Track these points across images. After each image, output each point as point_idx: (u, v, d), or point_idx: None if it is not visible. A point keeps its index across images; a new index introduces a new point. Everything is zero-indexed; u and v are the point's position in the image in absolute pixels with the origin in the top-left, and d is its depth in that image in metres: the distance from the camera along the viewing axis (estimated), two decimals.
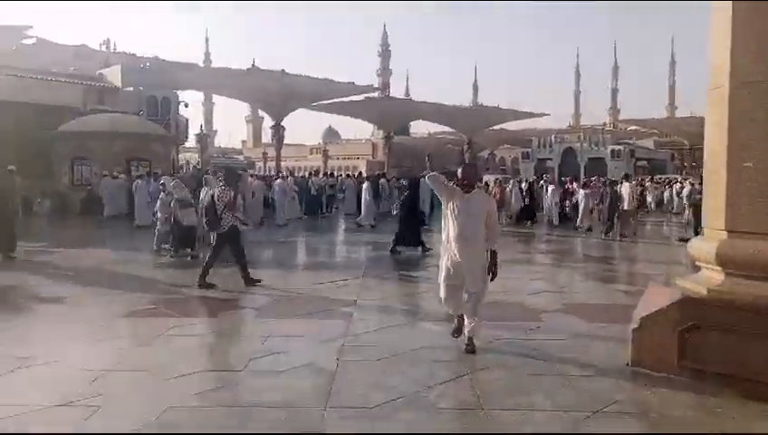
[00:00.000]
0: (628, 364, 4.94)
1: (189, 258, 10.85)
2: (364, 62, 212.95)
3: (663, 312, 4.86)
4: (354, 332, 6.03)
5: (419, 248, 11.92)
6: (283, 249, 13.51)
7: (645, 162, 54.12)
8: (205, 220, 8.77)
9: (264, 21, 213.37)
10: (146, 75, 27.36)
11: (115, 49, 27.85)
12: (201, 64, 59.74)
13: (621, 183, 16.87)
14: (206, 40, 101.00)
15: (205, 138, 55.73)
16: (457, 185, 5.44)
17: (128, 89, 25.42)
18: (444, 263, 5.42)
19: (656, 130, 66.98)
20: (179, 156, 72.13)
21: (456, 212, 5.29)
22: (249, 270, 8.53)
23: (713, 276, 4.87)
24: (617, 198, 16.20)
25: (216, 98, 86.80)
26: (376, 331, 6.08)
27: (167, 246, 11.43)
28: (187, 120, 24.55)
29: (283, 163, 63.62)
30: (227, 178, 8.93)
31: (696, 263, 5.17)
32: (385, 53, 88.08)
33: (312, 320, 6.66)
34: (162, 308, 7.02)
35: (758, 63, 4.51)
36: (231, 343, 5.97)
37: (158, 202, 11.83)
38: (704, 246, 4.99)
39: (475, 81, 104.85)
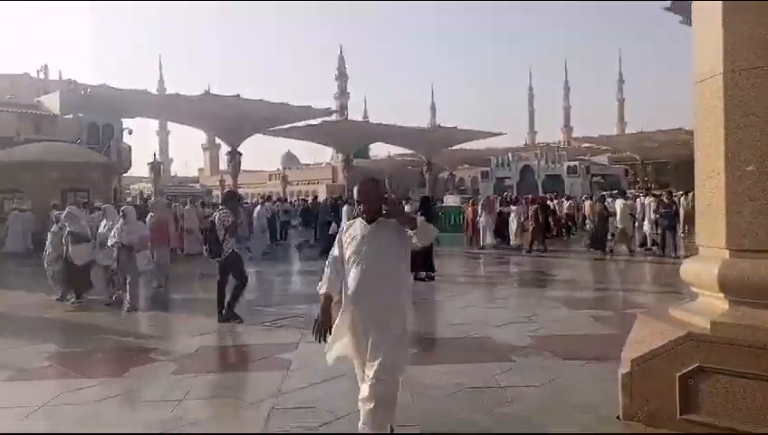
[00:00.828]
0: (618, 418, 4.00)
1: (76, 302, 9.20)
2: (321, 87, 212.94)
3: (659, 352, 3.93)
4: (288, 387, 4.93)
5: (424, 274, 10.99)
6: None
7: (600, 178, 54.53)
8: (205, 247, 8.19)
9: (218, 47, 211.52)
10: (88, 102, 25.82)
11: (60, 77, 26.10)
12: (154, 91, 57.97)
13: (614, 199, 16.75)
14: (160, 66, 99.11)
15: (158, 166, 53.72)
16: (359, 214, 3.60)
17: (67, 116, 23.87)
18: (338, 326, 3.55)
19: (608, 147, 68.00)
20: (133, 186, 69.73)
21: (352, 253, 3.47)
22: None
23: (715, 305, 3.98)
24: (607, 215, 15.82)
25: (171, 126, 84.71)
26: (316, 385, 4.99)
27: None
28: (129, 148, 23.10)
29: (240, 190, 62.14)
30: (228, 201, 8.51)
31: (693, 289, 4.28)
32: (342, 77, 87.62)
33: (239, 373, 5.54)
34: (58, 365, 5.78)
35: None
36: (132, 410, 4.77)
37: (49, 236, 10.09)
38: (701, 269, 4.09)
39: (432, 102, 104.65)
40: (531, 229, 16.45)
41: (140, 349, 6.43)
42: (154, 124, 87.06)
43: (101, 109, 26.92)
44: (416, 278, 10.59)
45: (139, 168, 56.92)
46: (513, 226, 17.28)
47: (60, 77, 26.64)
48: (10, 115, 21.86)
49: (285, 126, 49.08)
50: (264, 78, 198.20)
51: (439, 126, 57.06)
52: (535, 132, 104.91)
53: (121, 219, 8.82)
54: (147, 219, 10.43)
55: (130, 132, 26.54)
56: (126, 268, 8.68)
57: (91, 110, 25.42)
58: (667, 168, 65.70)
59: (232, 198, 8.97)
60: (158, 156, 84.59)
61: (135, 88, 37.67)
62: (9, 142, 20.45)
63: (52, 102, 24.38)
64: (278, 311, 8.51)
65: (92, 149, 21.76)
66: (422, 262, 10.67)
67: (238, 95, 40.68)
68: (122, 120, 38.14)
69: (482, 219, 17.63)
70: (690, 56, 4.25)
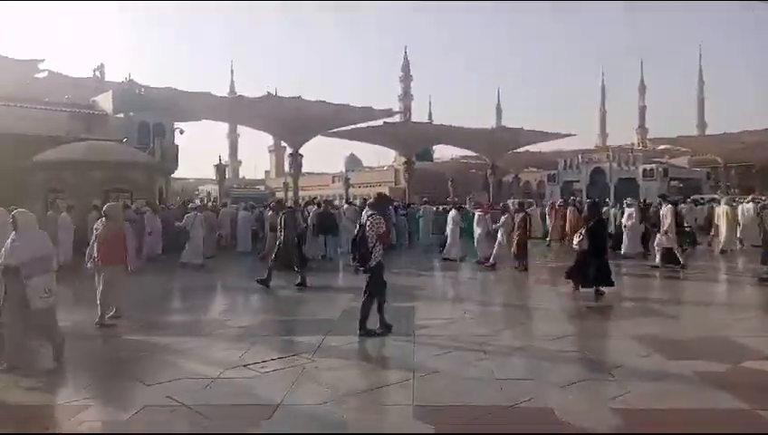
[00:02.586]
0: None
1: None
2: (385, 89, 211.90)
3: None
4: None
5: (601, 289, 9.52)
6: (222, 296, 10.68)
7: (678, 182, 50.07)
8: (352, 255, 7.25)
9: (286, 49, 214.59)
10: (145, 103, 25.22)
11: (129, 78, 25.72)
12: (225, 94, 58.11)
13: (660, 205, 14.11)
14: (231, 71, 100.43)
15: (223, 168, 53.98)
16: None
17: (118, 116, 23.26)
18: None
19: (687, 149, 62.86)
20: (201, 188, 70.54)
21: None
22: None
23: None
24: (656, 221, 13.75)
25: (241, 129, 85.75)
26: None
27: None
28: (177, 147, 22.22)
29: (303, 192, 61.58)
30: (378, 205, 7.40)
31: None
32: (407, 78, 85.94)
33: None
34: None
35: None
36: None
37: None
38: None
39: (498, 103, 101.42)
40: (515, 243, 13.34)
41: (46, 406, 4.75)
42: (224, 128, 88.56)
43: (159, 109, 26.36)
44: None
45: (210, 170, 57.13)
46: (499, 238, 13.89)
47: (128, 79, 26.26)
48: (61, 114, 21.41)
49: (347, 127, 47.97)
50: (327, 80, 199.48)
51: (504, 127, 54.20)
52: (606, 134, 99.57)
53: (13, 231, 5.88)
54: (95, 227, 8.09)
55: (182, 132, 25.73)
56: (15, 302, 5.68)
57: (149, 110, 24.77)
58: (752, 171, 59.97)
59: (383, 202, 7.66)
60: (226, 158, 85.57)
61: (198, 90, 37.61)
62: (57, 141, 19.82)
63: (106, 102, 23.91)
64: (281, 347, 6.71)
65: (139, 150, 20.88)
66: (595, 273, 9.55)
67: (299, 97, 39.75)
68: (178, 121, 37.99)
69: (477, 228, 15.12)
70: None
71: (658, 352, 6.25)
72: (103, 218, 7.94)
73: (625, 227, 15.51)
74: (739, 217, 17.21)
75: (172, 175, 23.42)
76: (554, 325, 7.65)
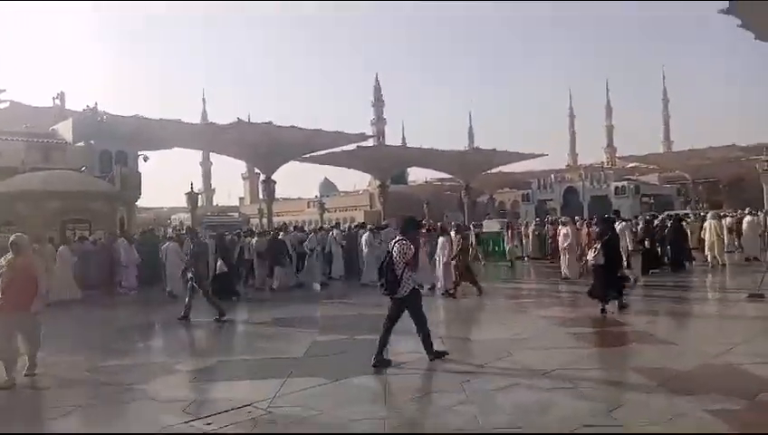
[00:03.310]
0: None
1: None
2: (357, 113, 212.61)
3: None
4: None
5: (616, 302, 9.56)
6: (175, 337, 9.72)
7: (650, 198, 50.40)
8: (380, 283, 6.77)
9: (255, 76, 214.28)
10: (110, 131, 24.10)
11: (92, 106, 24.52)
12: (197, 122, 57.09)
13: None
14: (203, 100, 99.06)
15: (195, 196, 52.63)
16: None
17: (79, 144, 22.12)
18: None
19: (655, 166, 63.61)
20: (174, 217, 68.78)
21: None
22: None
23: None
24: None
25: (214, 156, 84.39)
26: None
27: None
28: (140, 175, 21.13)
29: (278, 218, 60.44)
30: (406, 228, 7.02)
31: None
32: (378, 103, 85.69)
33: None
34: None
35: None
36: None
37: None
38: None
39: (470, 126, 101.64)
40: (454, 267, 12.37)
41: None
42: (197, 156, 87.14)
43: (125, 138, 25.26)
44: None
45: (183, 198, 55.70)
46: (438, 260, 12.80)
47: (90, 107, 25.09)
48: (17, 144, 20.24)
49: (320, 152, 47.27)
50: (299, 106, 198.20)
51: (477, 148, 54.05)
52: (576, 154, 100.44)
53: None
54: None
55: (146, 159, 24.60)
56: None
57: (113, 139, 23.65)
58: (719, 186, 60.82)
59: (411, 225, 7.17)
60: (200, 186, 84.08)
61: (167, 118, 36.56)
62: (12, 172, 18.64)
63: (66, 130, 22.78)
64: (238, 390, 5.80)
65: (99, 178, 19.78)
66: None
67: (270, 122, 38.94)
68: (147, 150, 36.64)
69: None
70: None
71: (662, 385, 5.50)
72: (8, 254, 6.66)
73: (563, 249, 14.75)
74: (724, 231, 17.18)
75: (136, 203, 22.28)
76: (541, 356, 6.86)
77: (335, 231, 18.07)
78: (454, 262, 12.37)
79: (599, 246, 9.76)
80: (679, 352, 6.90)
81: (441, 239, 12.96)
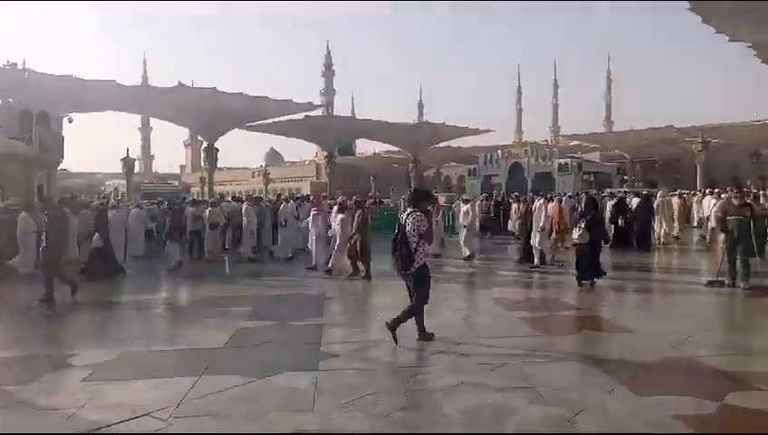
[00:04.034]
0: None
1: None
2: (306, 83, 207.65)
3: None
4: None
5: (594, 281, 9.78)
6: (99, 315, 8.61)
7: (591, 176, 51.22)
8: (394, 256, 6.36)
9: (200, 42, 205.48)
10: (38, 92, 21.88)
11: (10, 62, 22.05)
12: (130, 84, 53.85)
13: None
14: (144, 62, 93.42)
15: (131, 162, 49.88)
16: None
17: None
18: None
19: (598, 145, 64.80)
20: (108, 183, 65.37)
21: None
22: None
23: None
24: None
25: (154, 122, 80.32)
26: None
27: None
28: (62, 138, 19.18)
29: (221, 188, 58.21)
30: (417, 199, 6.58)
31: None
32: (329, 73, 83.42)
33: None
34: None
35: None
36: None
37: None
38: None
39: (420, 99, 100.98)
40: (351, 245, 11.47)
41: None
42: (136, 120, 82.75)
43: (54, 98, 23.08)
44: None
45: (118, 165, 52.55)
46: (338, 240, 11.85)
47: (10, 62, 22.62)
48: None
49: (266, 121, 45.47)
50: (246, 74, 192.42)
51: (426, 122, 53.36)
52: (522, 131, 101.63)
53: None
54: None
55: (71, 121, 22.53)
56: None
57: (40, 98, 21.43)
58: (655, 166, 62.63)
59: (422, 197, 6.72)
60: (138, 152, 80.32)
61: (101, 79, 33.90)
62: None
63: None
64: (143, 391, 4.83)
65: (17, 140, 17.79)
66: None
67: (215, 88, 36.90)
68: (80, 112, 33.93)
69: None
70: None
71: (623, 383, 4.88)
72: None
73: (464, 226, 14.27)
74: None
75: (58, 168, 20.35)
76: (491, 347, 6.18)
77: (290, 204, 16.79)
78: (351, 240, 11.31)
79: (583, 225, 9.73)
80: (637, 342, 6.35)
81: (340, 216, 11.85)
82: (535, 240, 12.56)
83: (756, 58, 19.82)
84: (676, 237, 17.96)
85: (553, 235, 15.73)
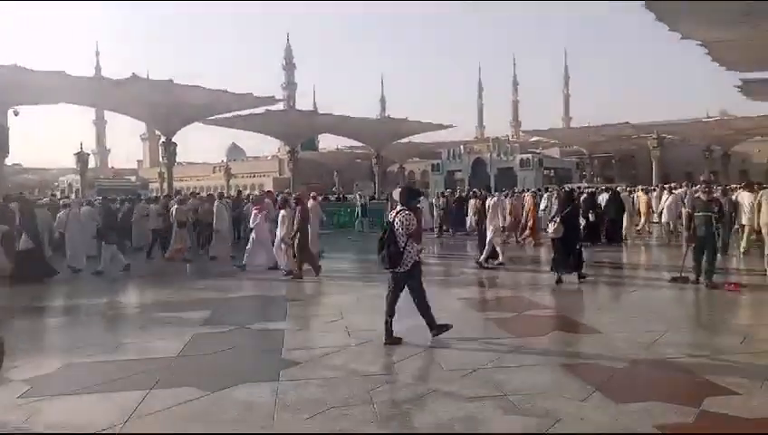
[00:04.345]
0: None
1: None
2: (267, 77, 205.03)
3: None
4: None
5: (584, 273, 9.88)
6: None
7: (551, 171, 51.95)
8: (380, 256, 6.21)
9: (156, 32, 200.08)
10: None
11: None
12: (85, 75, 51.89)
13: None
14: (96, 53, 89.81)
15: (85, 157, 48.14)
16: None
17: None
18: None
19: (557, 140, 65.89)
20: (61, 179, 62.93)
21: None
22: None
23: None
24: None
25: (109, 115, 77.55)
26: None
27: None
28: (6, 130, 18.14)
29: (181, 183, 56.68)
30: (407, 197, 6.47)
31: None
32: (290, 66, 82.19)
33: None
34: None
35: None
36: None
37: None
38: None
39: (382, 94, 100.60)
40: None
41: None
42: (90, 114, 79.81)
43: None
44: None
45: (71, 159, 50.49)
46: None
47: None
48: None
49: (225, 115, 44.38)
50: (204, 67, 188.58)
51: (389, 117, 53.12)
52: (484, 126, 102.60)
53: None
54: None
55: (16, 114, 21.45)
56: None
57: None
58: (612, 162, 64.08)
59: (412, 195, 6.58)
60: (92, 147, 77.51)
61: (50, 69, 32.37)
62: None
63: None
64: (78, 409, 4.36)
65: None
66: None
67: (170, 80, 35.70)
68: (29, 103, 32.45)
69: None
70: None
71: (598, 389, 4.69)
72: None
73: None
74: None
75: (3, 162, 19.21)
76: (459, 351, 5.94)
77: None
78: (292, 240, 10.88)
79: (558, 219, 9.76)
80: (607, 343, 6.20)
81: (281, 213, 11.37)
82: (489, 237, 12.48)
83: (707, 56, 20.29)
84: (639, 232, 18.30)
85: (527, 230, 15.80)
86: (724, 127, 47.43)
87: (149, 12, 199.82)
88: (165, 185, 46.54)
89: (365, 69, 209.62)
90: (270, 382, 5.02)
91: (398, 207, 6.38)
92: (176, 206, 14.91)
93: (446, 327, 6.29)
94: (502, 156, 49.49)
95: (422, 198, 16.59)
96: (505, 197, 15.48)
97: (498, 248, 12.25)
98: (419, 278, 6.35)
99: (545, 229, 16.18)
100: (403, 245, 6.12)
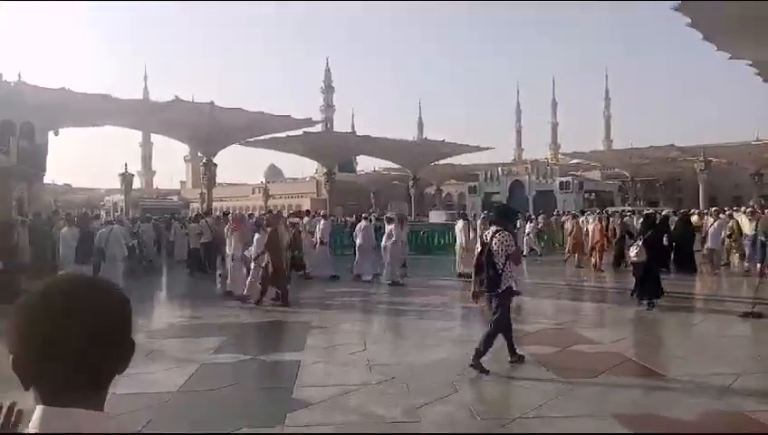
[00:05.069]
0: None
1: None
2: (306, 100, 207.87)
3: None
4: None
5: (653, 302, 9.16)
6: None
7: (592, 194, 50.26)
8: (477, 278, 6.03)
9: (200, 58, 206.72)
10: (17, 101, 21.00)
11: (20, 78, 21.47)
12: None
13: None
14: (145, 78, 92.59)
15: (129, 178, 49.07)
16: None
17: None
18: None
19: (597, 163, 64.00)
20: (107, 199, 64.78)
21: None
22: None
23: None
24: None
25: (155, 138, 79.71)
26: None
27: None
28: (45, 149, 18.38)
29: (221, 204, 57.31)
30: (503, 218, 6.33)
31: None
32: (328, 89, 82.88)
33: None
34: None
35: None
36: None
37: None
38: None
39: (420, 117, 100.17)
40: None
41: None
42: (137, 136, 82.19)
43: (44, 111, 22.21)
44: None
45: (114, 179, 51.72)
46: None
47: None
48: None
49: (264, 137, 44.71)
50: (245, 90, 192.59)
51: (426, 139, 52.63)
52: (522, 148, 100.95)
53: None
54: None
55: (56, 134, 21.65)
56: None
57: (24, 109, 20.58)
58: (656, 185, 61.75)
59: (509, 215, 6.50)
60: (139, 167, 79.50)
61: (96, 92, 33.19)
62: None
63: None
64: None
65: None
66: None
67: (212, 102, 36.14)
68: (75, 126, 33.23)
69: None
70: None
71: None
72: None
73: (384, 248, 12.99)
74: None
75: (41, 180, 19.40)
76: (495, 398, 5.12)
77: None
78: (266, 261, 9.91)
79: (640, 243, 9.48)
80: (669, 387, 5.27)
81: (256, 236, 10.46)
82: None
83: (757, 77, 19.03)
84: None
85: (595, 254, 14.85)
86: None
87: (194, 35, 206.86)
88: (205, 205, 47.05)
89: (403, 92, 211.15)
90: (273, 429, 4.31)
91: (493, 228, 6.10)
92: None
93: (521, 358, 5.98)
94: (540, 178, 48.18)
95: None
96: (467, 221, 14.42)
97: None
98: (507, 303, 6.02)
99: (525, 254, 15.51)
100: (501, 267, 5.83)
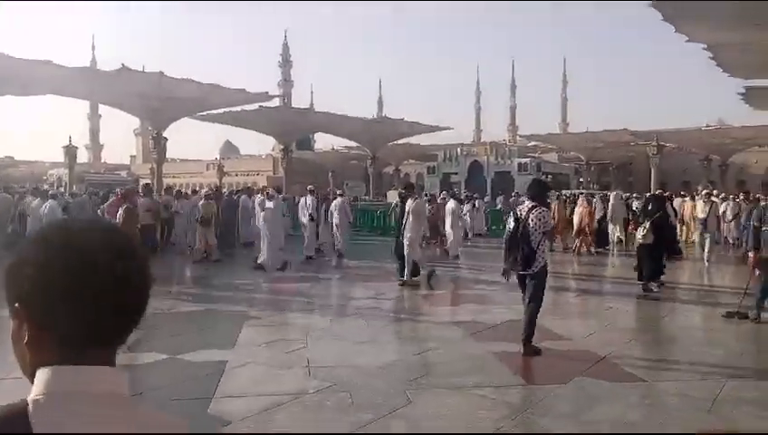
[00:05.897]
0: None
1: None
2: (262, 73, 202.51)
3: None
4: None
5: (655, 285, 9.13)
6: None
7: (549, 177, 50.48)
8: (512, 258, 5.64)
9: (151, 25, 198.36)
10: None
11: None
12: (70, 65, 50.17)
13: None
14: (93, 46, 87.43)
15: (73, 151, 46.36)
16: None
17: None
18: None
19: (555, 146, 64.43)
20: (50, 172, 61.41)
21: None
22: None
23: None
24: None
25: (103, 109, 75.70)
26: None
27: None
28: None
29: (174, 180, 54.94)
30: (540, 193, 5.85)
31: None
32: (286, 63, 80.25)
33: None
34: None
35: None
36: None
37: None
38: None
39: (380, 96, 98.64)
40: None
41: None
42: (84, 107, 77.87)
43: None
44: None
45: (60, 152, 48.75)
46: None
47: None
48: None
49: (218, 110, 42.77)
50: (198, 61, 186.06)
51: (386, 117, 51.56)
52: (481, 130, 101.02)
53: None
54: None
55: None
56: None
57: None
58: (609, 169, 62.68)
59: (543, 189, 6.10)
60: (87, 141, 75.76)
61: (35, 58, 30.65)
62: None
63: None
64: None
65: None
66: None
67: (161, 72, 34.07)
68: (18, 94, 30.97)
69: None
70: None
71: None
72: None
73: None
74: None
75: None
76: (452, 412, 4.28)
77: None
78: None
79: (647, 225, 9.24)
80: (652, 396, 4.54)
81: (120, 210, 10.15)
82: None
83: (711, 61, 18.70)
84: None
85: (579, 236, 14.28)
86: (722, 136, 46.11)
87: (146, 4, 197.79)
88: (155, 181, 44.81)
89: (363, 70, 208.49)
90: None
91: (529, 204, 5.72)
92: (202, 201, 13.81)
93: (534, 351, 5.55)
94: (499, 159, 48.02)
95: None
96: (427, 202, 13.54)
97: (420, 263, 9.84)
98: (544, 283, 5.75)
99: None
100: (537, 244, 5.55)
